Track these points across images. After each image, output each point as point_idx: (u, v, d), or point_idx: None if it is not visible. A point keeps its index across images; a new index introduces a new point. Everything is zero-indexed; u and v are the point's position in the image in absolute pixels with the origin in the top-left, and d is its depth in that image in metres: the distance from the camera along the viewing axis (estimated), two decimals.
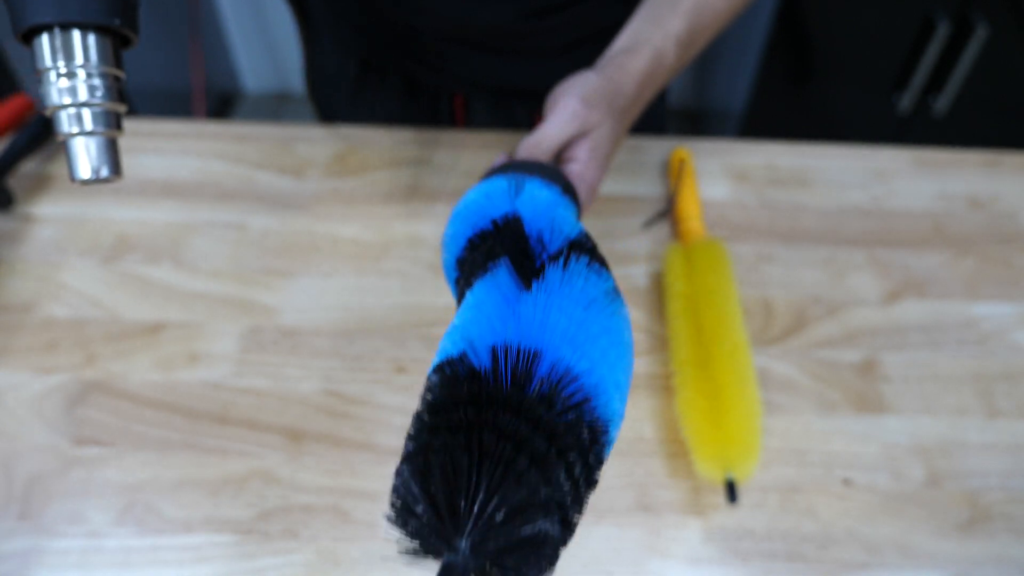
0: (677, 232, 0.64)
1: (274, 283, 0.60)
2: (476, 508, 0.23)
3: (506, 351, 0.28)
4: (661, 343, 0.57)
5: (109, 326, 0.57)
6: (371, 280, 0.61)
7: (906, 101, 1.44)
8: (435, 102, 0.77)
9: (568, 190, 0.42)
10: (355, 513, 0.47)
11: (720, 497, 0.48)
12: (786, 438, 0.51)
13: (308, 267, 0.61)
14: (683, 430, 0.49)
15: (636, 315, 0.59)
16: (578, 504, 0.26)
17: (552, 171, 0.43)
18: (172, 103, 1.82)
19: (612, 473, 0.49)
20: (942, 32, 1.32)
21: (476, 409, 0.26)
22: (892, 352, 0.57)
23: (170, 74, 1.81)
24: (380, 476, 0.49)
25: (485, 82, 0.73)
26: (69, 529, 0.46)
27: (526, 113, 0.75)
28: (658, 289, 0.60)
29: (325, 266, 0.61)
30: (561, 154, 0.48)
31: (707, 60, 1.91)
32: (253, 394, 0.53)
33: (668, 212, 0.65)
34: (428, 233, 0.64)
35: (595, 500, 0.48)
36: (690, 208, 0.64)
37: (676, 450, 0.51)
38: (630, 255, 0.63)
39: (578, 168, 0.46)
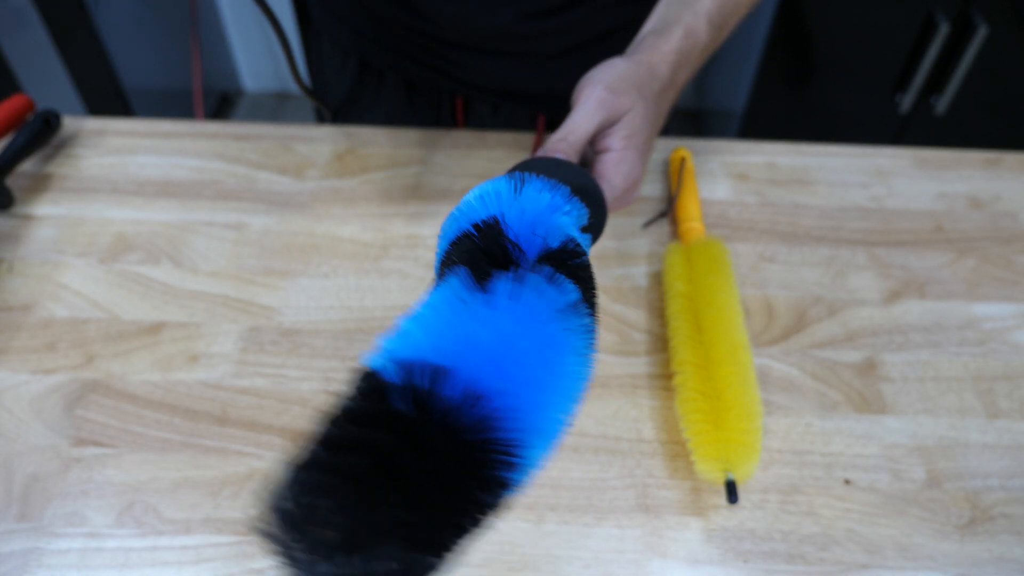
0: (677, 232, 0.64)
1: (273, 283, 0.60)
2: (325, 528, 0.23)
3: (419, 367, 0.26)
4: (661, 343, 0.57)
5: (108, 326, 0.57)
6: (371, 280, 0.61)
7: (906, 101, 1.44)
8: (436, 104, 0.77)
9: (580, 191, 0.39)
10: None
11: (721, 498, 0.48)
12: (786, 438, 0.51)
13: (308, 267, 0.61)
14: (683, 430, 0.49)
15: (636, 315, 0.59)
16: (454, 530, 0.25)
17: (567, 170, 0.40)
18: (171, 103, 1.82)
19: (612, 474, 0.49)
20: (942, 32, 1.32)
21: (358, 427, 0.25)
22: (893, 352, 0.57)
23: (169, 74, 1.81)
24: None
25: (486, 85, 0.73)
26: (68, 530, 0.46)
27: (527, 115, 0.75)
28: (658, 289, 0.60)
29: (325, 266, 0.61)
30: (594, 145, 0.45)
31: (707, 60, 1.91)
32: (253, 394, 0.53)
33: (668, 212, 0.65)
34: (428, 233, 0.64)
35: (596, 500, 0.48)
36: (690, 208, 0.64)
37: (676, 450, 0.50)
38: (630, 255, 0.63)
39: (614, 158, 0.43)
